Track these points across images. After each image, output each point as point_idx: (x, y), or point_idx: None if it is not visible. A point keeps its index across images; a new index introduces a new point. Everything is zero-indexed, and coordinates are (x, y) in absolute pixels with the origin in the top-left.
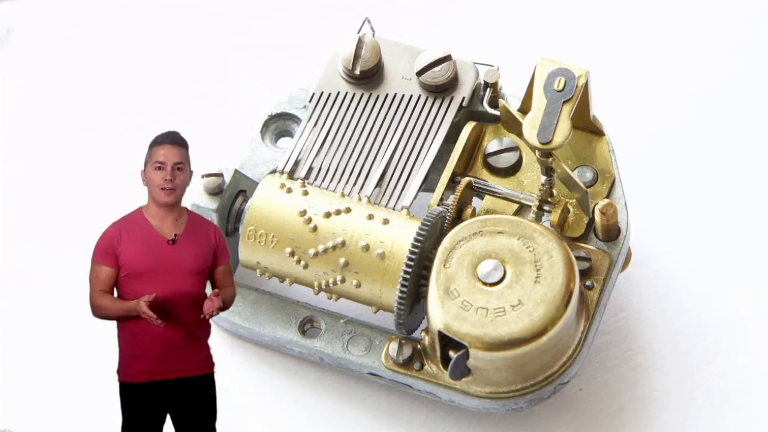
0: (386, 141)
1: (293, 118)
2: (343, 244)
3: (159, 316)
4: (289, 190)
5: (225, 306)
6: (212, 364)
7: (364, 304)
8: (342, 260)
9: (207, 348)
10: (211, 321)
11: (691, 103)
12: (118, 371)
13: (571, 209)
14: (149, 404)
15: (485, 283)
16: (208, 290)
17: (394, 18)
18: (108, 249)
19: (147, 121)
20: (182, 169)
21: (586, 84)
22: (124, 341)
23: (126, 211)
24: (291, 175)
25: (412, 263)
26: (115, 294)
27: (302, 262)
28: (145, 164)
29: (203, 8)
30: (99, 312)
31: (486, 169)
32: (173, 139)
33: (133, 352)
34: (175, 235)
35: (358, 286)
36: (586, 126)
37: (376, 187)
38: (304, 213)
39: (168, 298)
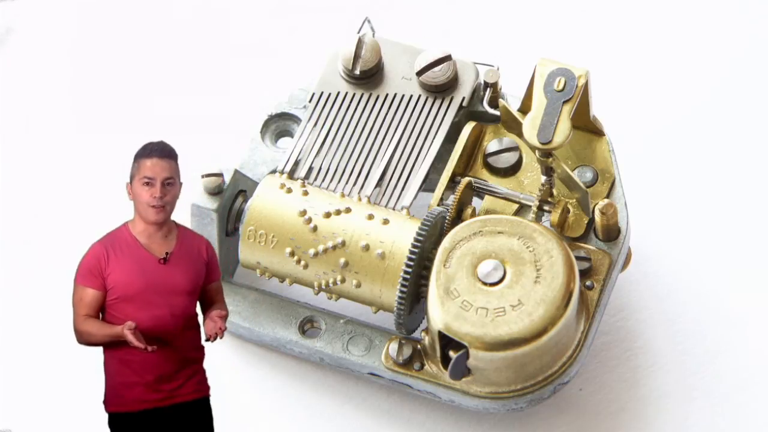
0: (386, 141)
1: (293, 118)
2: (343, 244)
3: (150, 341)
4: (289, 190)
5: None
6: (207, 387)
7: (364, 304)
8: (342, 260)
9: (202, 371)
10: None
11: (691, 103)
12: (105, 402)
13: (571, 209)
14: None
15: (485, 283)
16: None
17: (394, 18)
18: (94, 270)
19: (147, 121)
20: (172, 183)
21: (586, 84)
22: (112, 369)
23: (127, 211)
24: (291, 175)
25: (412, 263)
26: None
27: (302, 262)
28: (132, 178)
29: (203, 8)
30: (84, 338)
31: (486, 169)
32: (162, 152)
33: (124, 380)
34: (167, 253)
35: (358, 286)
36: (586, 126)
37: (376, 187)
38: (304, 213)
39: (161, 321)
